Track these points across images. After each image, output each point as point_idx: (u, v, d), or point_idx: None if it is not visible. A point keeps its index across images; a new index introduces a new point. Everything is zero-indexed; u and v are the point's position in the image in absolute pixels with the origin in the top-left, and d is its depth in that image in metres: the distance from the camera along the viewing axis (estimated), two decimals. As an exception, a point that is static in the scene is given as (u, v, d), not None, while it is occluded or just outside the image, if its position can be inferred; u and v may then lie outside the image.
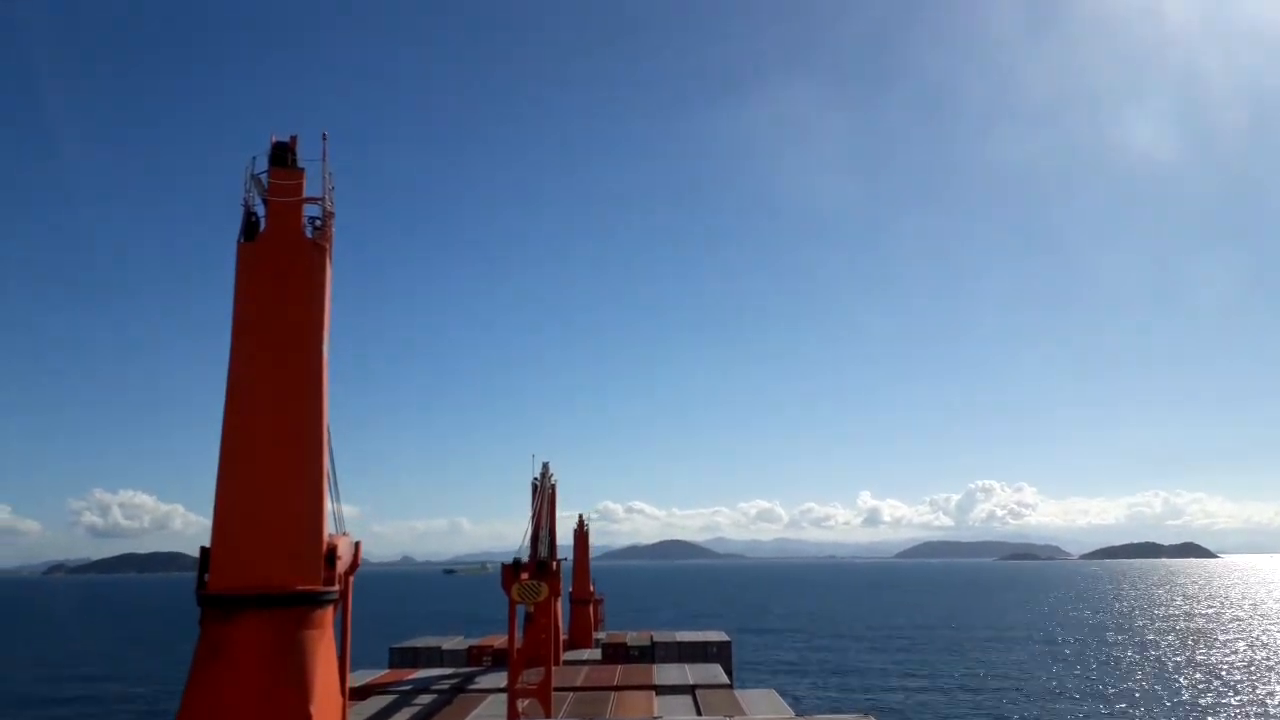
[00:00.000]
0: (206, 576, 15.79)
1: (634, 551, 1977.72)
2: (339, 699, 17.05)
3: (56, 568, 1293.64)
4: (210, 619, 15.62)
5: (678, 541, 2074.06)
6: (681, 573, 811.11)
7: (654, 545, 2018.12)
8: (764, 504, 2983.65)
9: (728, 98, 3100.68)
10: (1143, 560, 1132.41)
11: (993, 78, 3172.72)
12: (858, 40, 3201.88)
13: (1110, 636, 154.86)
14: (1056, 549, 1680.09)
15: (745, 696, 39.70)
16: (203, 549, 16.01)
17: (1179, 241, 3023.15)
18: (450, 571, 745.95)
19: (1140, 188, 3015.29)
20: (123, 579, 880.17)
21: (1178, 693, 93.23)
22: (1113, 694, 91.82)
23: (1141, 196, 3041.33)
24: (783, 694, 40.86)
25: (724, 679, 44.72)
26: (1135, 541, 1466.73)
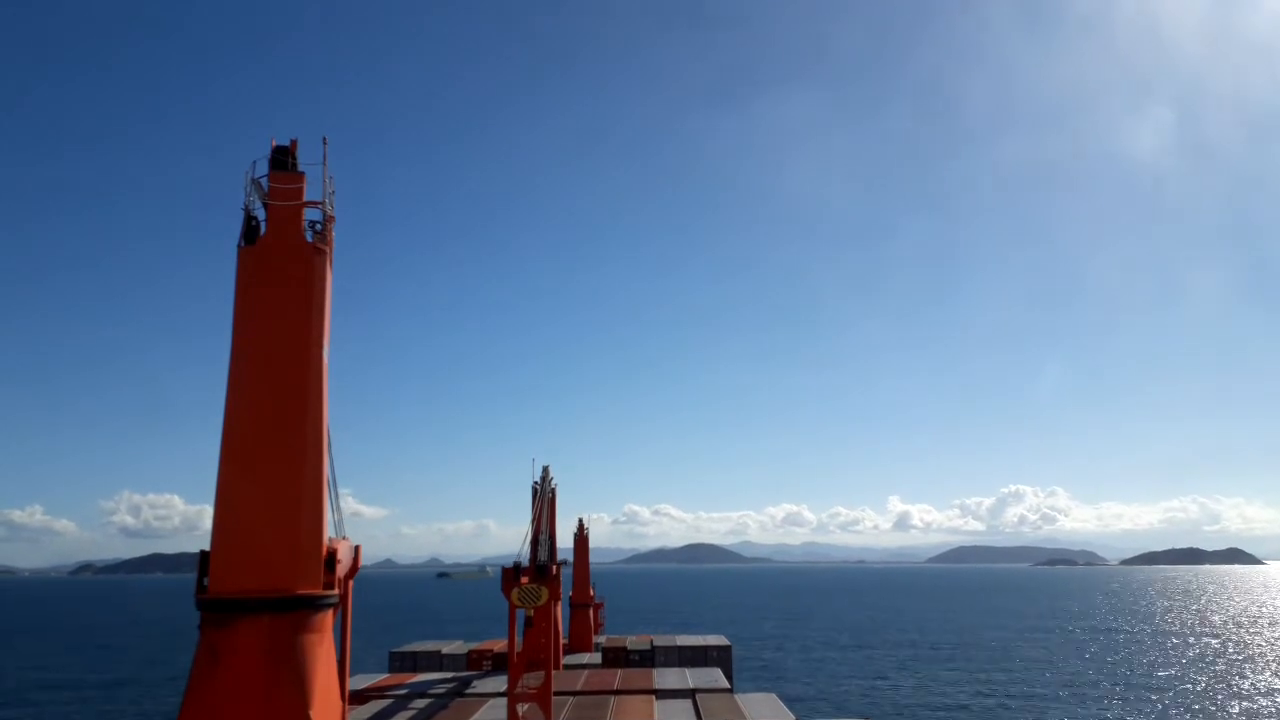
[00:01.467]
0: (206, 580, 16.20)
1: (661, 555, 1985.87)
2: (339, 703, 17.39)
3: (85, 568, 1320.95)
4: (209, 623, 15.95)
5: (705, 545, 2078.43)
6: (710, 576, 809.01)
7: (681, 549, 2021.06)
8: (791, 508, 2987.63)
9: (730, 101, 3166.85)
10: (1186, 567, 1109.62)
11: (993, 83, 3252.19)
12: (859, 46, 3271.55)
13: (1176, 648, 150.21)
14: (1092, 555, 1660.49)
15: (746, 701, 40.24)
16: (202, 553, 16.41)
17: (1182, 244, 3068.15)
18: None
19: (1140, 192, 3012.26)
20: (148, 579, 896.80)
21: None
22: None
23: (1142, 200, 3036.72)
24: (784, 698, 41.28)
25: (724, 683, 45.46)
26: (1176, 547, 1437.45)
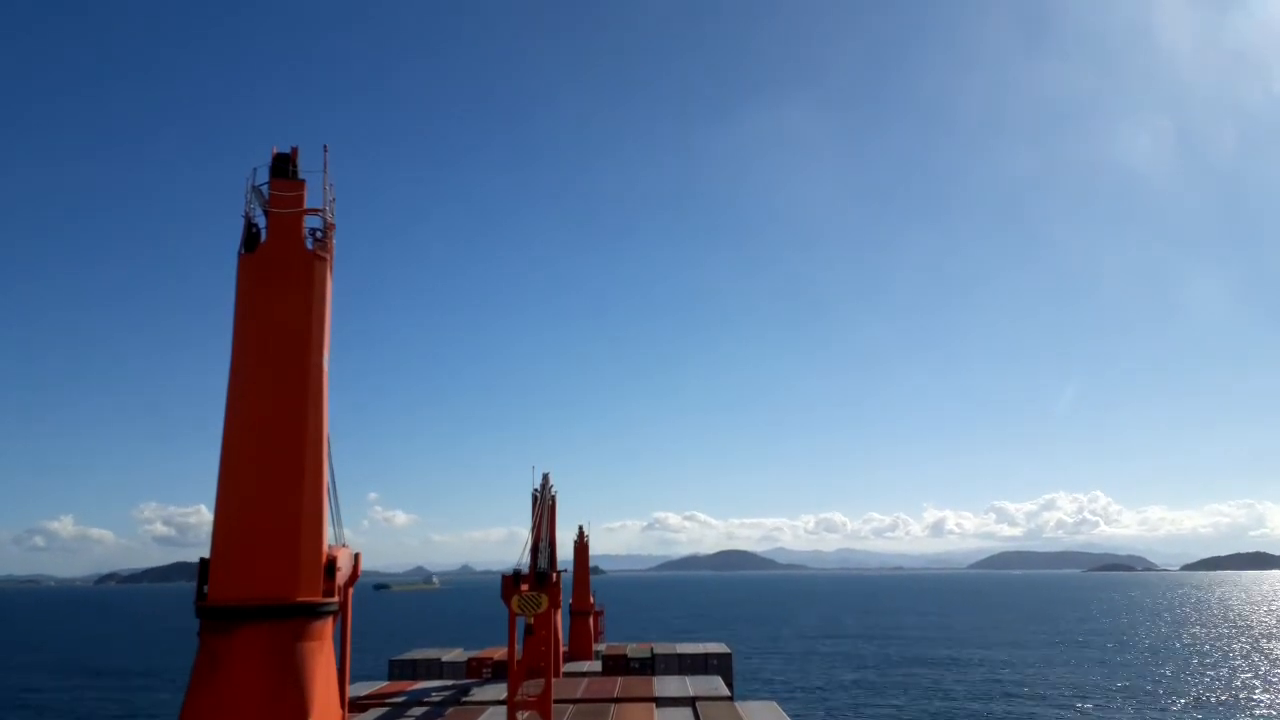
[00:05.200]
0: (205, 588, 16.71)
1: (693, 562, 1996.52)
2: (338, 711, 17.92)
3: (109, 577, 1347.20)
4: (209, 631, 16.51)
5: (738, 551, 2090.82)
6: (747, 584, 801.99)
7: (714, 555, 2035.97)
8: (824, 514, 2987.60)
9: (729, 111, 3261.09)
10: (1257, 572, 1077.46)
11: (988, 94, 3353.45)
12: (856, 58, 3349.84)
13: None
14: (1142, 560, 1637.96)
15: (746, 708, 41.65)
16: (202, 560, 16.95)
17: (1182, 250, 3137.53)
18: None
19: (1138, 200, 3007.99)
20: (168, 588, 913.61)
21: None
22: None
23: (1139, 208, 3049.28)
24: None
25: (724, 691, 47.07)
26: (1241, 552, 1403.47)
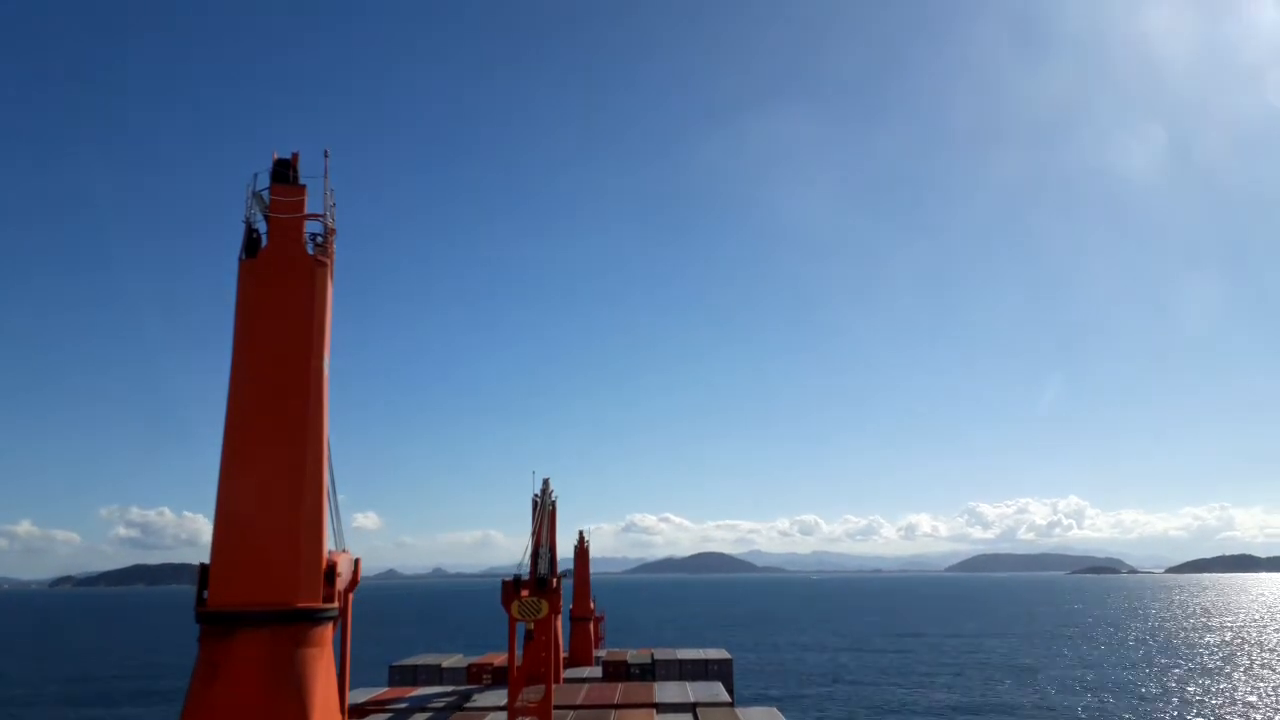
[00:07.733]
0: (205, 593, 17.01)
1: (670, 564, 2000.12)
2: (338, 717, 18.39)
3: (64, 580, 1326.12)
4: (209, 636, 16.70)
5: (714, 554, 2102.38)
6: (730, 586, 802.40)
7: (690, 558, 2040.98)
8: (800, 517, 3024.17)
9: (726, 118, 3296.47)
10: (1244, 574, 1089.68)
11: (982, 100, 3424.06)
12: (853, 65, 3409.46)
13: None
14: (1120, 562, 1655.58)
15: (746, 715, 42.34)
16: (201, 565, 17.11)
17: (1173, 258, 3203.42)
18: None
19: (1130, 208, 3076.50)
20: (127, 592, 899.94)
21: None
22: None
23: (1132, 215, 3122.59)
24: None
25: (725, 697, 47.35)
26: (1226, 554, 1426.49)
